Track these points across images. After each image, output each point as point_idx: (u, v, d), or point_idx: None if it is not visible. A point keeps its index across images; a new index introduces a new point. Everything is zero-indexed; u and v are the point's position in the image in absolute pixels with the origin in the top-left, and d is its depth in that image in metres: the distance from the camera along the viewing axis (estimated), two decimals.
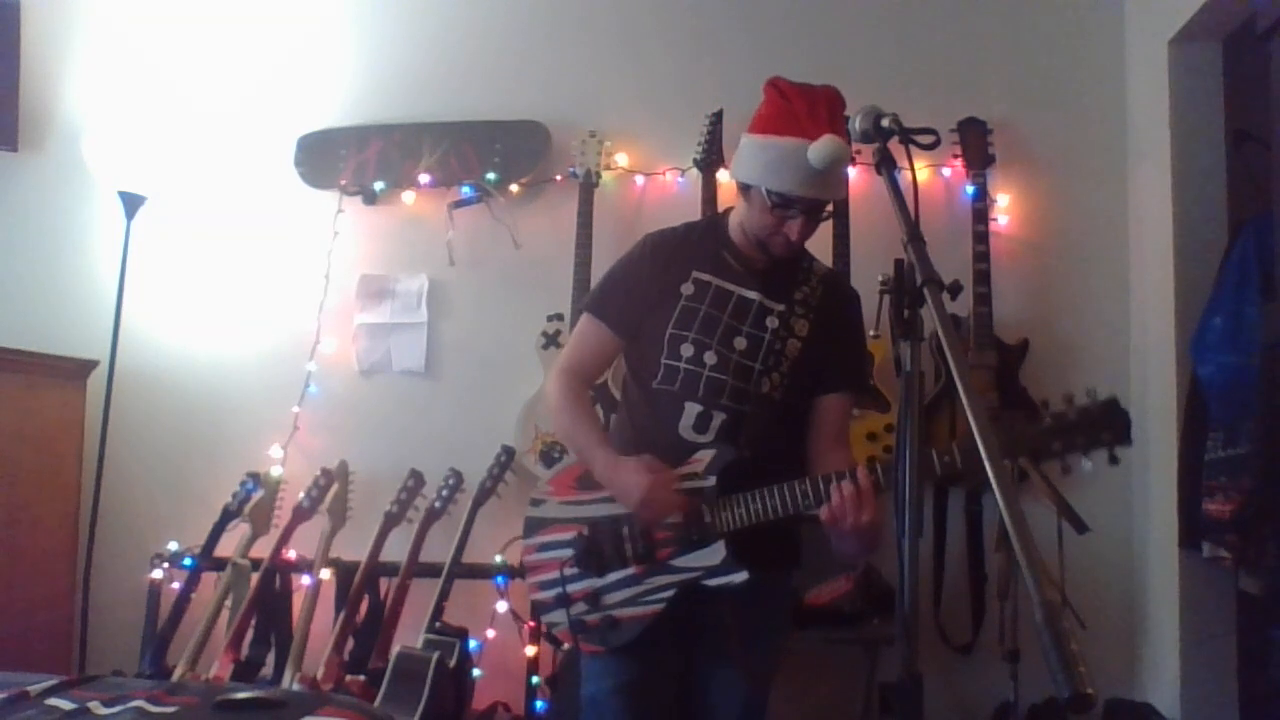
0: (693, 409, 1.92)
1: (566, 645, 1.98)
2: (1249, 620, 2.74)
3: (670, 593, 1.88)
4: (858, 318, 2.08)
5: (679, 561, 1.88)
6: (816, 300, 1.99)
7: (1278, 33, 2.43)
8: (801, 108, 1.80)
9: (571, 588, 1.93)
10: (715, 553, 1.86)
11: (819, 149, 1.75)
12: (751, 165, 1.88)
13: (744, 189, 1.92)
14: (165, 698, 1.85)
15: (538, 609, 2.02)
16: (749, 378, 1.92)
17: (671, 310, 1.96)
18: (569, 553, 1.95)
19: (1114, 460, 1.67)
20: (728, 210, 2.07)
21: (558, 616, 1.96)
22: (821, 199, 1.87)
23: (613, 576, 1.92)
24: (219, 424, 3.43)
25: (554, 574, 1.95)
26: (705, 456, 1.90)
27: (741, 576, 1.84)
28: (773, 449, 1.93)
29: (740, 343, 1.93)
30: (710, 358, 1.92)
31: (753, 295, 1.96)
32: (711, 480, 1.87)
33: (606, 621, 1.91)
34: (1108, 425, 1.65)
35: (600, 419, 2.05)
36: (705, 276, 1.97)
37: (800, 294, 1.99)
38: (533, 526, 2.05)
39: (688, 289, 1.97)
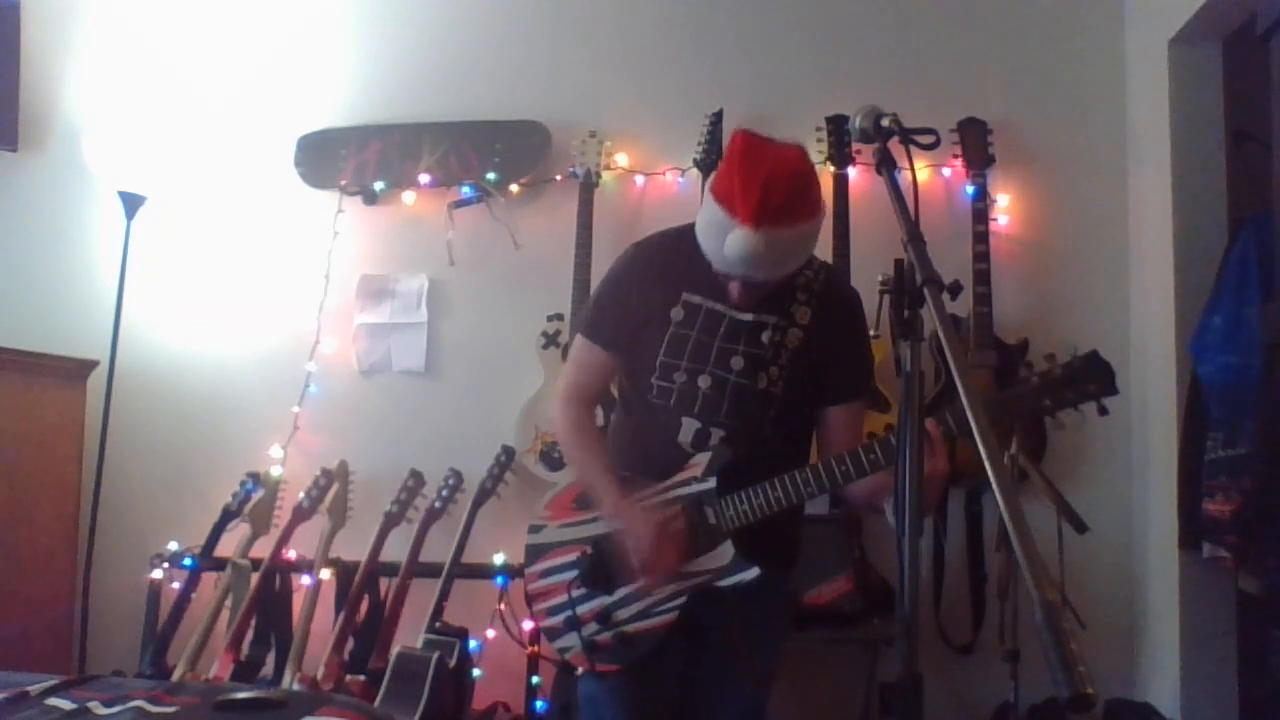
0: (691, 424, 1.90)
1: (581, 670, 1.92)
2: (1249, 620, 2.74)
3: (682, 599, 1.86)
4: (861, 315, 2.03)
5: (687, 567, 1.87)
6: (818, 286, 1.94)
7: (1278, 33, 2.43)
8: (737, 182, 1.70)
9: (580, 609, 1.90)
10: (723, 553, 1.85)
11: (732, 242, 1.69)
12: (699, 219, 1.81)
13: None
14: (165, 698, 1.85)
15: (548, 636, 1.97)
16: (747, 396, 1.89)
17: (661, 336, 1.91)
18: (574, 574, 1.91)
19: (1103, 411, 1.72)
20: None
21: (569, 640, 1.91)
22: (748, 278, 1.78)
23: (621, 592, 1.89)
24: (219, 424, 3.43)
25: (561, 598, 1.92)
26: (702, 460, 1.89)
27: (753, 573, 1.83)
28: (771, 447, 1.91)
29: (737, 362, 1.89)
30: (704, 381, 1.89)
31: (745, 316, 1.90)
32: (711, 482, 1.87)
33: (619, 638, 1.88)
34: (1093, 377, 1.71)
35: (604, 448, 2.02)
36: (695, 299, 1.91)
37: (802, 279, 1.92)
38: (534, 554, 2.01)
39: (677, 314, 1.91)
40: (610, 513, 1.91)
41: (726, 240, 1.70)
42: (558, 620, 1.93)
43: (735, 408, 1.89)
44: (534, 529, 2.03)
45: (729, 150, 1.78)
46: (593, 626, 1.89)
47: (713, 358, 1.89)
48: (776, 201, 1.68)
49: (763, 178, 1.68)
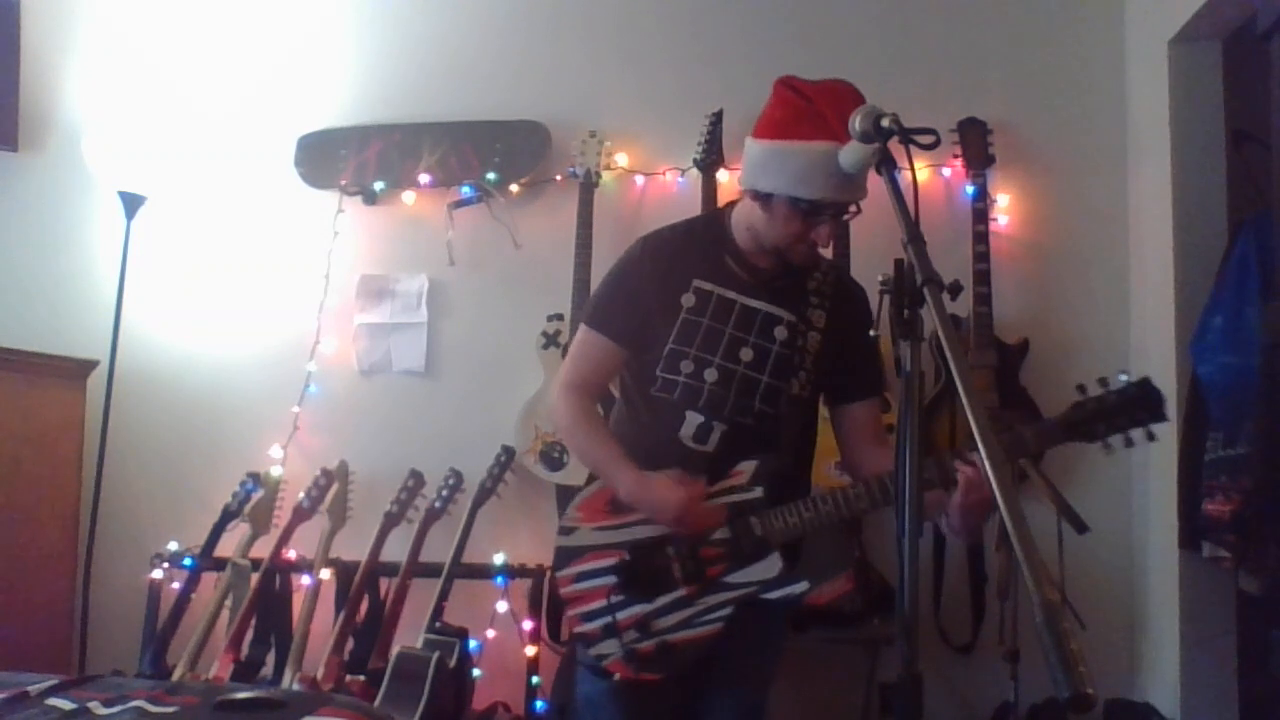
0: (694, 419, 1.89)
1: (619, 676, 1.87)
2: (1249, 620, 2.74)
3: (727, 610, 1.84)
4: (869, 313, 2.02)
5: (733, 578, 1.84)
6: (830, 289, 1.95)
7: (1278, 33, 2.43)
8: (829, 108, 1.72)
9: (619, 615, 1.86)
10: (771, 565, 1.83)
11: (851, 152, 1.67)
12: (774, 173, 1.79)
13: (763, 198, 1.83)
14: (165, 698, 1.85)
15: (585, 642, 1.92)
16: (754, 390, 1.89)
17: (671, 323, 1.90)
18: (611, 580, 1.87)
19: (1152, 437, 1.77)
20: (729, 206, 1.99)
21: (609, 647, 1.87)
22: (852, 200, 1.82)
23: (662, 600, 1.86)
24: (219, 424, 3.43)
25: (599, 603, 1.88)
26: (748, 468, 1.87)
27: (802, 587, 1.81)
28: (801, 452, 1.92)
29: (746, 354, 1.89)
30: (711, 374, 1.88)
31: (758, 305, 1.90)
32: (759, 491, 1.85)
33: (661, 647, 1.84)
34: (1144, 405, 1.75)
35: (611, 432, 2.00)
36: (707, 285, 1.91)
37: (813, 282, 1.95)
38: (566, 557, 1.95)
39: (688, 300, 1.90)
40: (629, 491, 1.87)
41: (842, 159, 1.69)
42: (595, 626, 1.89)
43: (739, 403, 1.89)
44: (565, 531, 1.97)
45: (787, 95, 1.80)
46: (632, 634, 1.86)
47: (722, 347, 1.88)
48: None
49: (849, 97, 1.73)
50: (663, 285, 1.92)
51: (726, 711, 1.98)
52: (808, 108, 1.76)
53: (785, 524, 1.83)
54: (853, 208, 1.85)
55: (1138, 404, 1.74)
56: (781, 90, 1.82)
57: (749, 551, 1.84)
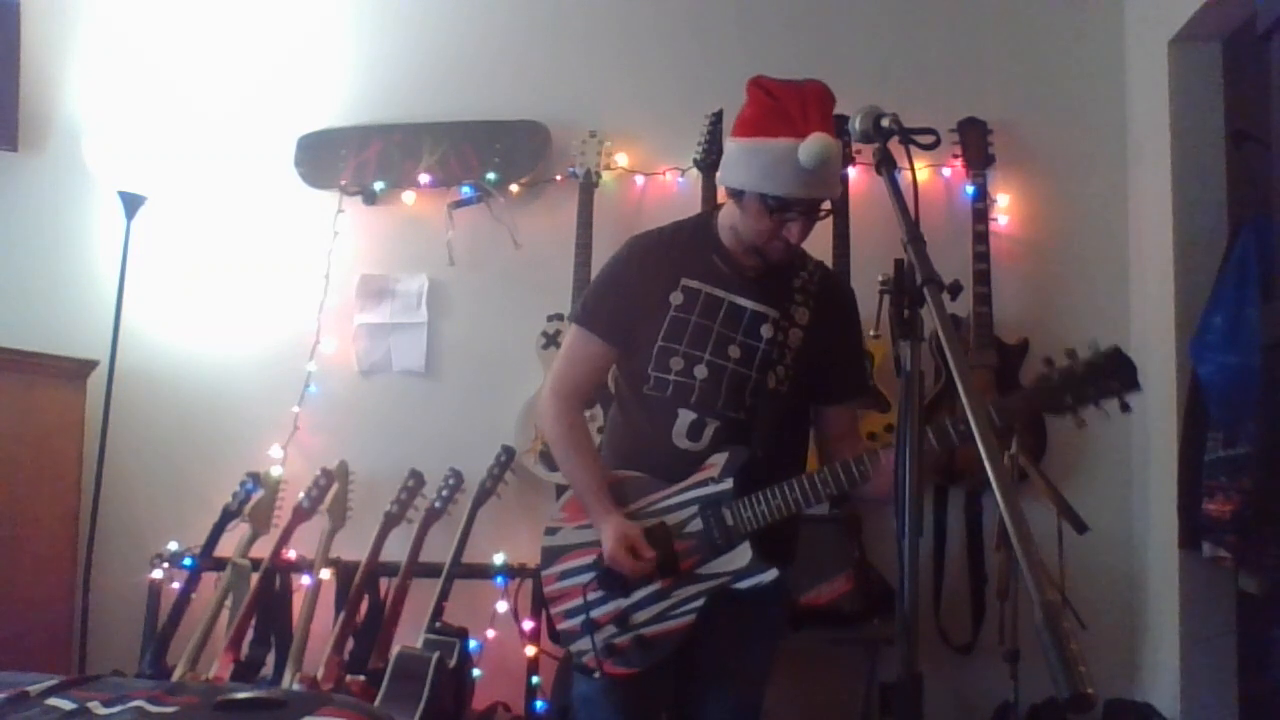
0: (686, 416, 1.90)
1: (597, 674, 1.89)
2: (1249, 620, 2.74)
3: (700, 602, 1.86)
4: (856, 314, 2.05)
5: (705, 569, 1.86)
6: (815, 287, 1.97)
7: (1278, 33, 2.43)
8: (792, 106, 1.77)
9: (596, 612, 1.89)
10: (741, 555, 1.85)
11: (809, 148, 1.72)
12: (744, 170, 1.83)
13: (736, 195, 1.87)
14: (165, 698, 1.85)
15: (565, 639, 1.96)
16: (744, 386, 1.90)
17: (660, 321, 1.92)
18: (589, 577, 1.90)
19: (1126, 408, 1.69)
20: (717, 208, 2.02)
21: (585, 644, 1.89)
22: (819, 198, 1.84)
23: (638, 594, 1.88)
24: (219, 424, 3.43)
25: (577, 601, 1.90)
26: (719, 460, 1.88)
27: (772, 574, 1.83)
28: (780, 446, 1.92)
29: (734, 351, 1.90)
30: (701, 371, 1.89)
31: (745, 303, 1.92)
32: (728, 483, 1.86)
33: (636, 641, 1.87)
34: (1115, 374, 1.68)
35: (595, 449, 2.03)
36: (694, 284, 1.93)
37: (799, 280, 1.96)
38: (550, 556, 1.99)
39: (677, 298, 1.92)
40: (596, 525, 1.91)
41: (801, 155, 1.73)
42: (575, 623, 1.91)
43: (731, 398, 1.89)
44: (550, 531, 2.01)
45: (757, 94, 1.85)
46: (610, 629, 1.88)
47: (711, 344, 1.90)
48: (830, 110, 1.79)
49: (813, 96, 1.80)
50: (652, 284, 1.94)
51: (720, 711, 1.99)
52: (775, 106, 1.79)
53: (755, 513, 1.84)
54: (824, 206, 1.87)
55: (1108, 373, 1.68)
56: (753, 90, 1.86)
57: (721, 543, 1.86)
